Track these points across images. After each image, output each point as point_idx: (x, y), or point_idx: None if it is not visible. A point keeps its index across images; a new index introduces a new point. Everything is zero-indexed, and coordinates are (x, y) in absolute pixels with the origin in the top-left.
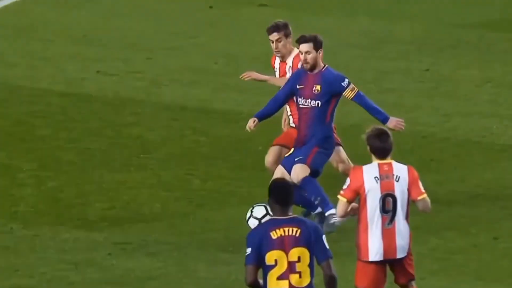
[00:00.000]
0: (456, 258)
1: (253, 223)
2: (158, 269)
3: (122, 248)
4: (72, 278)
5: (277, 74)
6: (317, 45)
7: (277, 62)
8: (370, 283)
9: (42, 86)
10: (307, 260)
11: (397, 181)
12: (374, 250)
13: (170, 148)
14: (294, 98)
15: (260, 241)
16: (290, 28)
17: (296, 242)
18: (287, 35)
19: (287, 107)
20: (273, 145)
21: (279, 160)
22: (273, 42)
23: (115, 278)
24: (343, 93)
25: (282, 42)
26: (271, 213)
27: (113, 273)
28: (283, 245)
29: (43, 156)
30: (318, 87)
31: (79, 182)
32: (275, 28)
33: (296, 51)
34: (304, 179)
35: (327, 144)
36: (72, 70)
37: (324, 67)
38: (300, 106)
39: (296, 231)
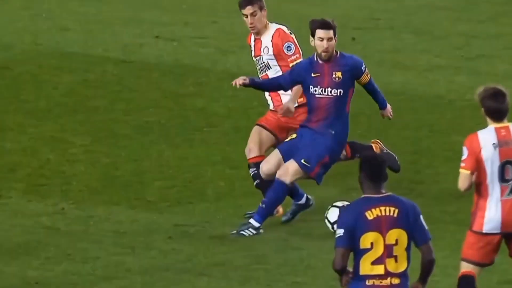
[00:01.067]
0: None
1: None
2: (223, 254)
3: (184, 230)
4: (129, 263)
5: (253, 53)
6: (336, 32)
7: (252, 39)
8: (480, 256)
9: (97, 52)
10: (405, 243)
11: None
12: (490, 222)
13: (236, 120)
14: (304, 87)
15: (354, 222)
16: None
17: (394, 223)
18: (261, 8)
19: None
20: (257, 124)
21: (260, 143)
22: (247, 17)
23: (176, 264)
24: (360, 78)
25: (257, 16)
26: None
27: (174, 258)
28: (380, 226)
29: (97, 129)
30: (339, 74)
31: (137, 159)
32: (249, 1)
33: (273, 27)
34: (284, 183)
35: (341, 144)
36: (129, 35)
37: (336, 52)
38: (316, 96)
39: (394, 211)
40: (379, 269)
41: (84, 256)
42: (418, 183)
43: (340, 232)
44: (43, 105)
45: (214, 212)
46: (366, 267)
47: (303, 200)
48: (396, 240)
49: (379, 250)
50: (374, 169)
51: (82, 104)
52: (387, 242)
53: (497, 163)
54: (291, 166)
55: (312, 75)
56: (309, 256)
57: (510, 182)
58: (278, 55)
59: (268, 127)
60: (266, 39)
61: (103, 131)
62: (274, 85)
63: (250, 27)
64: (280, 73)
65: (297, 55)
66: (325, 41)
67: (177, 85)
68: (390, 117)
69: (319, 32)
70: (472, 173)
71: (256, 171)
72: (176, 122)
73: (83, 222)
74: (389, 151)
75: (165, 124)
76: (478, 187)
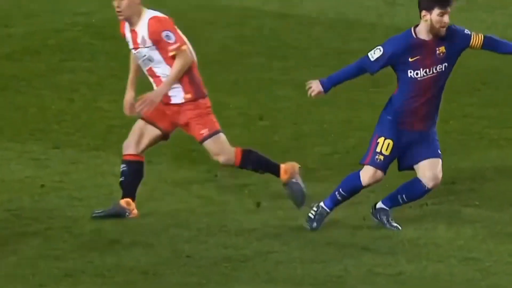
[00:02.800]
0: None
1: None
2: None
3: (349, 201)
4: (286, 236)
5: (130, 45)
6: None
7: (127, 29)
8: None
9: (253, 5)
10: None
11: None
12: None
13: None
14: (402, 72)
15: None
16: None
17: None
18: None
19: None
20: (142, 119)
21: (140, 141)
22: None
23: (340, 237)
24: (470, 44)
25: (125, 1)
26: None
27: (336, 231)
28: None
29: (254, 89)
30: (442, 48)
31: (296, 122)
32: None
33: (147, 15)
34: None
35: None
36: None
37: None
38: (419, 79)
39: None
40: None
41: (239, 228)
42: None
43: None
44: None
45: (382, 181)
46: None
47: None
48: None
49: None
50: None
51: (237, 62)
52: None
53: None
54: (438, 167)
55: (410, 59)
56: (483, 229)
57: None
58: (158, 45)
59: (156, 122)
60: (142, 29)
61: (261, 92)
62: (357, 73)
63: (117, 13)
64: (165, 65)
65: (179, 44)
66: (446, 16)
67: (340, 42)
68: None
69: (446, 9)
70: None
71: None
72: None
73: (237, 191)
74: (299, 181)
75: None
76: None
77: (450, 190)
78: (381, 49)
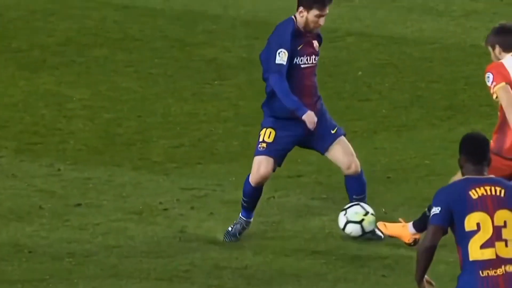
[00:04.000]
0: None
1: (353, 229)
2: (235, 220)
3: (192, 194)
4: (131, 230)
5: None
6: None
7: None
8: None
9: None
10: None
11: None
12: None
13: (250, 73)
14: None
15: (455, 201)
16: None
17: (502, 203)
18: None
19: None
20: None
21: None
22: None
23: (184, 231)
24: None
25: None
26: (370, 211)
27: (181, 224)
28: (487, 206)
29: (97, 82)
30: (317, 42)
31: (141, 115)
32: None
33: None
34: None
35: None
36: None
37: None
38: (302, 66)
39: (500, 191)
40: (490, 254)
41: (82, 223)
42: (453, 141)
43: (436, 210)
44: (37, 55)
45: (226, 174)
46: (475, 251)
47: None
48: (505, 222)
49: (487, 232)
50: (477, 150)
51: (80, 54)
52: (496, 223)
53: None
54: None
55: (298, 48)
56: (330, 223)
57: None
58: None
59: None
60: None
61: (104, 84)
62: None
63: None
64: None
65: None
66: (322, 18)
67: (185, 33)
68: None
69: (316, 9)
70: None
71: None
72: (184, 74)
73: (81, 185)
74: None
75: (172, 76)
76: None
77: (297, 183)
78: (282, 49)
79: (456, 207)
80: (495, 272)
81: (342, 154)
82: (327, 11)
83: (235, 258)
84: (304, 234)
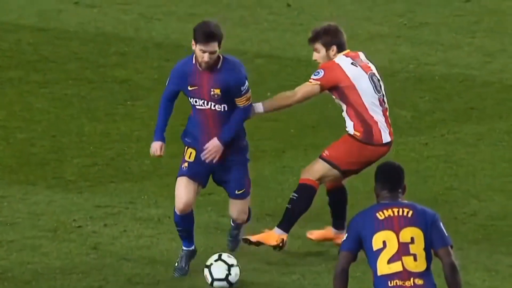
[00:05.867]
0: (500, 225)
1: (221, 285)
2: (148, 237)
3: (106, 212)
4: (46, 247)
5: None
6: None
7: None
8: None
9: (11, 19)
10: (422, 244)
11: None
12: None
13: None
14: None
15: (362, 225)
16: None
17: (408, 222)
18: None
19: None
20: None
21: None
22: None
23: (99, 248)
24: (237, 101)
25: None
26: (233, 263)
27: (95, 241)
28: (392, 225)
29: (11, 102)
30: (218, 90)
31: (55, 134)
32: None
33: None
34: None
35: None
36: (46, 0)
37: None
38: (198, 107)
39: (408, 212)
40: (397, 267)
41: None
42: None
43: (344, 236)
44: None
45: (138, 192)
46: (383, 266)
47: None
48: (412, 238)
49: (393, 248)
50: (390, 179)
51: None
52: (402, 240)
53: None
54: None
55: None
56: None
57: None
58: None
59: None
60: None
61: (18, 104)
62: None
63: None
64: None
65: None
66: (207, 54)
67: (99, 55)
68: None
69: (201, 45)
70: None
71: None
72: (98, 95)
73: None
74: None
75: (86, 97)
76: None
77: (208, 201)
78: (172, 72)
79: (363, 231)
80: (403, 283)
81: (237, 211)
82: (213, 49)
83: (147, 274)
84: (215, 249)
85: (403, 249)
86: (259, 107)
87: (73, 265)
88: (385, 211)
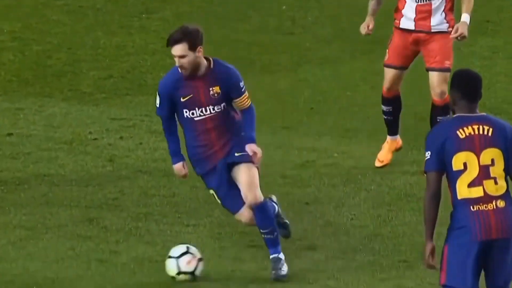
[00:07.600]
0: None
1: (169, 264)
2: (165, 150)
3: (121, 124)
4: (62, 159)
5: None
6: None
7: None
8: None
9: None
10: (502, 164)
11: None
12: None
13: (177, 5)
14: (180, 112)
15: (444, 140)
16: None
17: (489, 142)
18: None
19: None
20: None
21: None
22: None
23: (113, 160)
24: (236, 101)
25: None
26: (193, 253)
27: (110, 153)
28: (474, 146)
29: (27, 14)
30: (217, 88)
31: (71, 47)
32: None
33: None
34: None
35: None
36: None
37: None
38: (195, 119)
39: (488, 130)
40: (478, 192)
41: (14, 152)
42: (373, 74)
43: (427, 154)
44: None
45: (153, 105)
46: (463, 190)
47: None
48: (492, 160)
49: (473, 171)
50: (470, 87)
51: None
52: (482, 162)
53: None
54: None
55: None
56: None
57: None
58: None
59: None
60: None
61: (34, 16)
62: (168, 127)
63: None
64: None
65: None
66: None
67: None
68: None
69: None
70: None
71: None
72: (113, 8)
73: (12, 115)
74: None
75: (101, 9)
76: None
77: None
78: (158, 92)
79: (446, 146)
80: (485, 207)
81: (246, 185)
82: (181, 53)
83: (163, 186)
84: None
85: (484, 173)
86: (466, 17)
87: (89, 177)
88: (465, 128)
